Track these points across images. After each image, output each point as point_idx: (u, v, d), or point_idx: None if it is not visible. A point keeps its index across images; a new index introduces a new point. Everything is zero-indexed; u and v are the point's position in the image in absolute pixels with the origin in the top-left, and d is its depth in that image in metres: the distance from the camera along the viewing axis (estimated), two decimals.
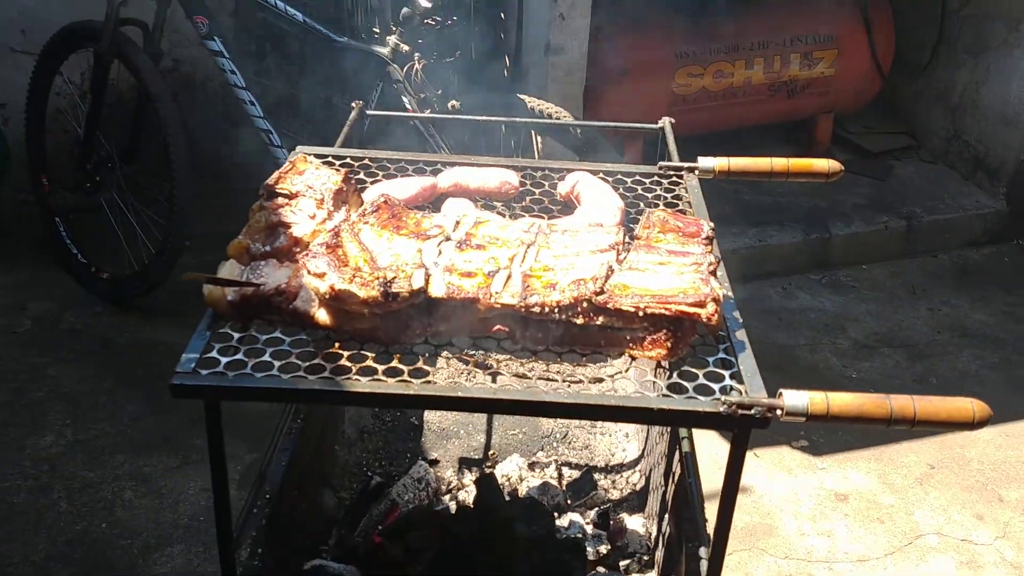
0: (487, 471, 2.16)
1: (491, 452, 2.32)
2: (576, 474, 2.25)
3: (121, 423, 3.51)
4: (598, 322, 1.46)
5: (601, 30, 4.33)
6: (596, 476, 2.25)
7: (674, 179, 2.04)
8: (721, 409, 1.37)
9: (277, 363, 1.42)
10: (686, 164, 2.04)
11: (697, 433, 3.60)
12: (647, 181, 2.03)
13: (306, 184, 1.65)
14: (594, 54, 4.27)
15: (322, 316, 1.48)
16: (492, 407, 1.37)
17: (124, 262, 4.09)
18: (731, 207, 5.00)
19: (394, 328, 1.47)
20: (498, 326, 1.48)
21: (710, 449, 3.54)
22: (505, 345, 1.52)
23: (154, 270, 3.89)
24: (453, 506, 2.04)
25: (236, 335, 1.48)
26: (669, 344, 1.45)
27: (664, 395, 1.42)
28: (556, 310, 1.44)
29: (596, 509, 2.13)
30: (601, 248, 1.58)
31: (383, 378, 1.40)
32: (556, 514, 2.09)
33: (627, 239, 1.63)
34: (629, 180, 2.03)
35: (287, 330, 1.50)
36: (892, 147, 5.60)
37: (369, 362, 1.44)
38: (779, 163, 2.01)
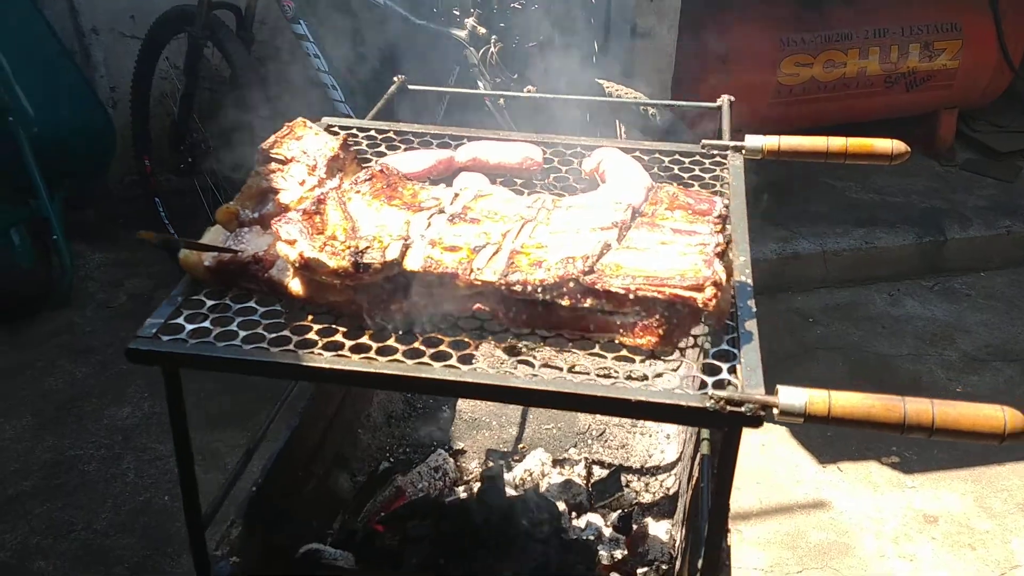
0: (501, 465, 2.05)
1: (521, 446, 2.21)
2: (606, 474, 2.11)
3: (197, 399, 3.57)
4: (586, 304, 1.33)
5: (698, 13, 4.13)
6: (628, 478, 2.11)
7: (717, 159, 1.87)
8: (708, 404, 1.22)
9: (243, 333, 1.35)
10: (732, 143, 1.87)
11: (775, 439, 3.41)
12: (687, 160, 1.88)
13: (301, 149, 1.59)
14: (689, 39, 4.08)
15: (295, 286, 1.40)
16: (454, 390, 1.27)
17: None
18: (836, 205, 4.71)
19: (370, 302, 1.39)
20: (478, 305, 1.37)
21: (787, 456, 3.33)
22: (489, 327, 1.41)
23: None
24: (465, 497, 1.94)
25: (209, 303, 1.43)
26: (661, 331, 1.31)
27: (648, 385, 1.28)
28: (540, 289, 1.32)
29: (619, 512, 1.99)
30: (603, 225, 1.44)
31: (347, 354, 1.32)
32: (574, 514, 1.96)
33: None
34: (667, 159, 1.88)
35: (264, 300, 1.44)
36: (1022, 147, 5.15)
37: (338, 336, 1.36)
38: (836, 143, 1.82)
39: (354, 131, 1.96)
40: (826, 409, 1.19)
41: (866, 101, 4.82)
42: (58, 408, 3.53)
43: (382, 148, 1.91)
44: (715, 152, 1.88)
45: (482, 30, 3.48)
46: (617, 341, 1.35)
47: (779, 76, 4.60)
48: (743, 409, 1.21)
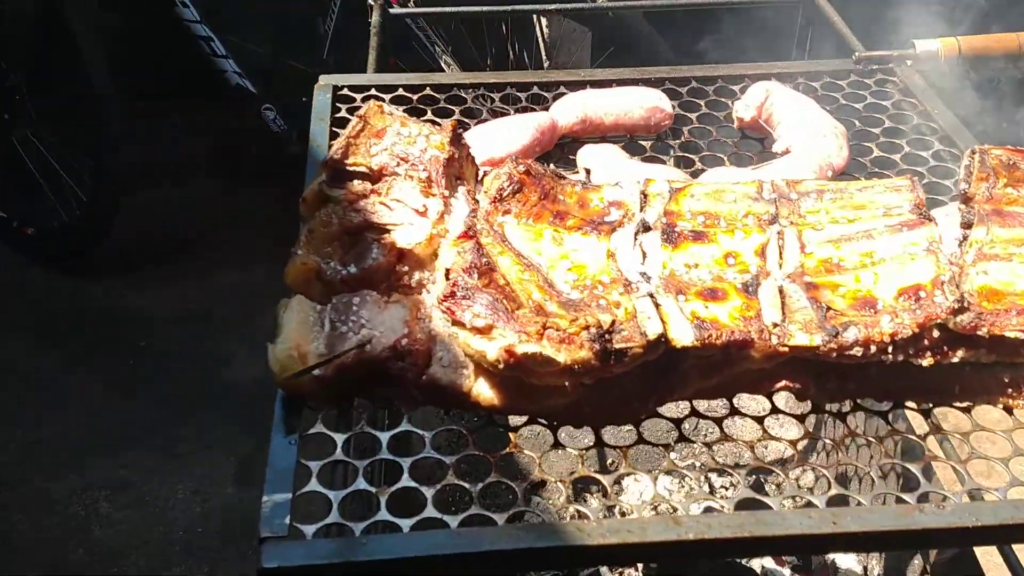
0: None
1: None
2: None
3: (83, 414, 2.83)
4: (955, 359, 0.87)
5: None
6: None
7: (880, 77, 1.43)
8: None
9: (428, 492, 0.81)
10: (895, 51, 1.43)
11: None
12: (843, 83, 1.42)
13: (396, 154, 0.99)
14: None
15: (484, 392, 0.86)
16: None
17: (51, 213, 3.31)
18: None
19: (608, 402, 0.87)
20: (784, 381, 0.88)
21: None
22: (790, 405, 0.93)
23: (89, 218, 3.17)
24: None
25: (338, 439, 0.86)
26: None
27: None
28: (891, 348, 0.85)
29: None
30: (905, 220, 0.97)
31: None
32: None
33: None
34: (817, 84, 1.42)
35: (422, 418, 0.89)
36: None
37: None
38: None
39: (372, 91, 1.36)
40: None
41: None
42: None
43: (429, 114, 1.32)
44: (874, 67, 1.43)
45: None
46: (1002, 404, 0.91)
47: None
48: None
